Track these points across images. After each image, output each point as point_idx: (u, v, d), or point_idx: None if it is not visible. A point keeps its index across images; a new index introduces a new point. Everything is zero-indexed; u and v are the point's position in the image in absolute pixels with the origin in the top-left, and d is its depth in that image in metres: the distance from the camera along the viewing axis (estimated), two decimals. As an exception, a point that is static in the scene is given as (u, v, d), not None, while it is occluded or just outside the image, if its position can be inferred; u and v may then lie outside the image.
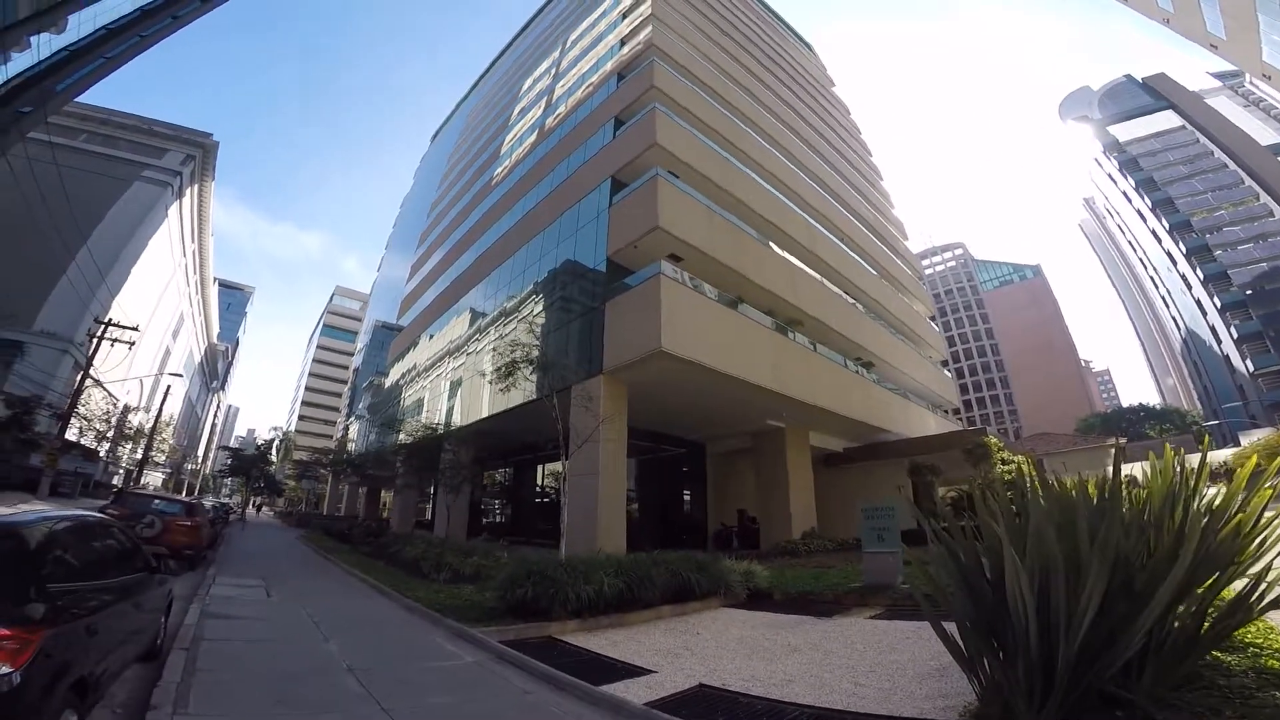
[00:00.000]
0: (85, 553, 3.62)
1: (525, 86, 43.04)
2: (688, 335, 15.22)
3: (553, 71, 37.78)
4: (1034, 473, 4.97)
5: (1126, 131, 77.78)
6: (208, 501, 27.31)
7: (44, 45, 28.87)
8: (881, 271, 33.30)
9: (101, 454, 43.90)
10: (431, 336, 35.43)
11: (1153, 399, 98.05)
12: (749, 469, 24.39)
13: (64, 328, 37.18)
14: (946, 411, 35.95)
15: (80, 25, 30.27)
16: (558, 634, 7.87)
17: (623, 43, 27.80)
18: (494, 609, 8.59)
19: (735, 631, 8.15)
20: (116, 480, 47.83)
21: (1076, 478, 4.28)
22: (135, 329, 27.81)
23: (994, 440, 21.85)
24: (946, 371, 38.51)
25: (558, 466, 15.57)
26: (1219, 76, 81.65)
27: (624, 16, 30.31)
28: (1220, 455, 28.09)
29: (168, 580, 6.04)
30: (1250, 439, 34.27)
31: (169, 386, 53.25)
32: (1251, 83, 73.68)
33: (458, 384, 28.26)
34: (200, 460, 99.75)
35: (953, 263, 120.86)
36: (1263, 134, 69.35)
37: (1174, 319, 78.30)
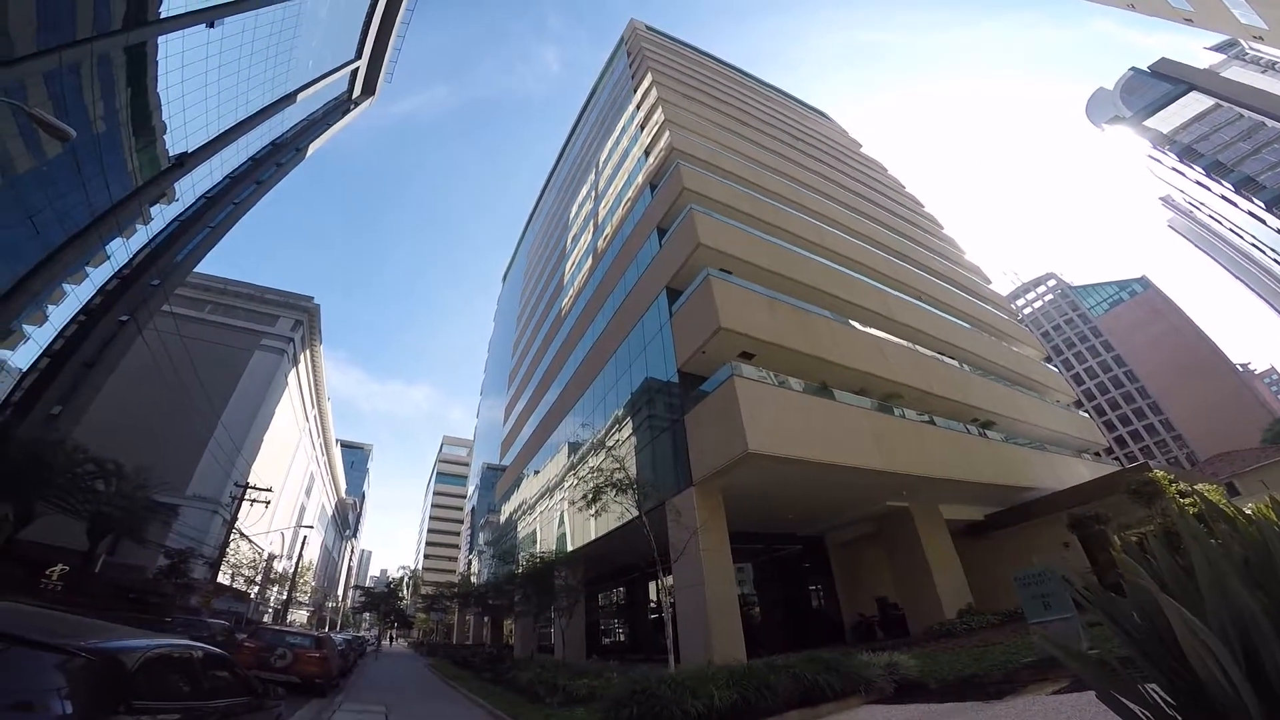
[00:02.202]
0: (180, 676, 3.96)
1: (572, 214, 46.27)
2: (776, 431, 14.62)
3: (593, 194, 40.49)
4: (1199, 504, 4.18)
5: (1164, 122, 73.18)
6: (339, 635, 28.98)
7: (158, 217, 34.62)
8: (974, 323, 31.29)
9: (251, 595, 49.58)
10: (537, 472, 36.28)
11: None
12: (879, 554, 22.32)
13: (212, 491, 42.26)
14: (1099, 454, 31.78)
15: (183, 196, 36.25)
16: (664, 754, 7.30)
17: (647, 153, 29.25)
18: (602, 732, 8.23)
19: (879, 730, 7.12)
20: (267, 618, 52.82)
21: (1268, 499, 3.54)
22: (269, 490, 31.32)
23: (1161, 474, 18.91)
24: (1081, 412, 34.42)
25: (669, 580, 14.95)
26: (1218, 49, 77.96)
27: (641, 129, 32.37)
28: None
29: (278, 705, 6.34)
30: None
31: (305, 537, 58.36)
32: (1252, 48, 68.72)
33: (561, 514, 28.50)
34: (340, 599, 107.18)
35: (1049, 295, 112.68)
36: (1293, 93, 63.33)
37: (1318, 296, 68.08)
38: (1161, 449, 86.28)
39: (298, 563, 55.60)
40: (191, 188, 36.74)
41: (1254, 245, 74.38)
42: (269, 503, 33.50)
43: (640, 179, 28.82)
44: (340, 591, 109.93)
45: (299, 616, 67.21)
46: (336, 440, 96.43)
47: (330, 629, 67.61)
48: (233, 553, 35.31)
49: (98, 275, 30.85)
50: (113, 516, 28.00)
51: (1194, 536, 3.45)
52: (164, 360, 33.88)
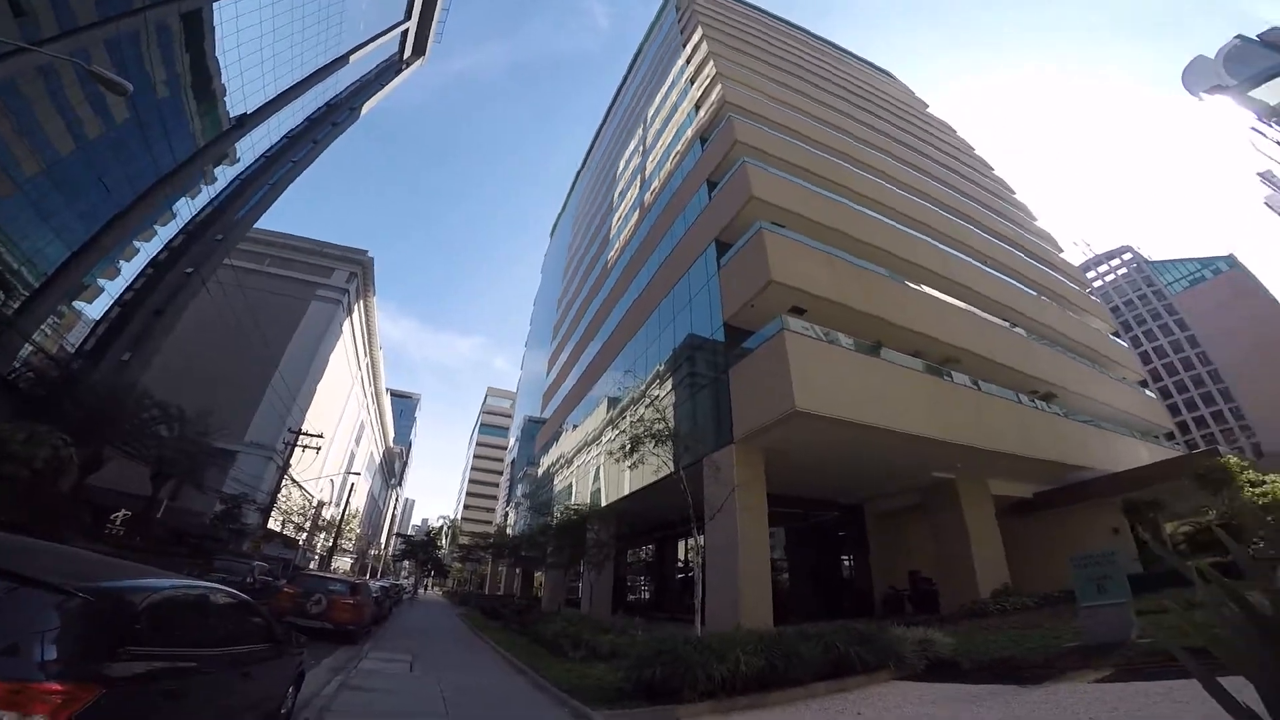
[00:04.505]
0: (195, 621, 3.79)
1: (620, 168, 45.66)
2: (825, 390, 14.06)
3: (640, 149, 39.82)
4: (1272, 493, 3.60)
5: (1272, 93, 65.58)
6: (376, 582, 29.14)
7: (221, 177, 35.91)
8: (1041, 290, 29.66)
9: (300, 542, 51.55)
10: (576, 426, 36.53)
11: None
12: (918, 527, 21.66)
13: (268, 439, 43.27)
14: (1158, 437, 29.94)
15: (244, 156, 37.31)
16: (686, 717, 7.16)
17: (697, 107, 28.56)
18: (622, 689, 8.15)
19: (909, 709, 6.86)
20: (313, 564, 53.92)
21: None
22: (321, 436, 32.11)
23: (1233, 460, 17.62)
24: (1148, 392, 32.34)
25: (702, 540, 14.82)
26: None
27: (692, 82, 31.47)
28: None
29: (300, 654, 6.22)
30: None
31: (353, 485, 61.19)
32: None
33: (598, 468, 28.70)
34: (382, 546, 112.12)
35: (1123, 269, 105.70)
36: None
37: None
38: (1228, 437, 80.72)
39: (344, 510, 58.05)
40: (251, 147, 37.58)
41: (1363, 223, 67.34)
42: (319, 449, 34.61)
43: (690, 133, 28.14)
44: (383, 539, 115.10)
45: (343, 563, 70.76)
46: (387, 389, 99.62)
47: (371, 576, 70.88)
48: (284, 499, 36.53)
49: (165, 233, 32.07)
50: (175, 461, 28.71)
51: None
52: (225, 309, 35.13)
